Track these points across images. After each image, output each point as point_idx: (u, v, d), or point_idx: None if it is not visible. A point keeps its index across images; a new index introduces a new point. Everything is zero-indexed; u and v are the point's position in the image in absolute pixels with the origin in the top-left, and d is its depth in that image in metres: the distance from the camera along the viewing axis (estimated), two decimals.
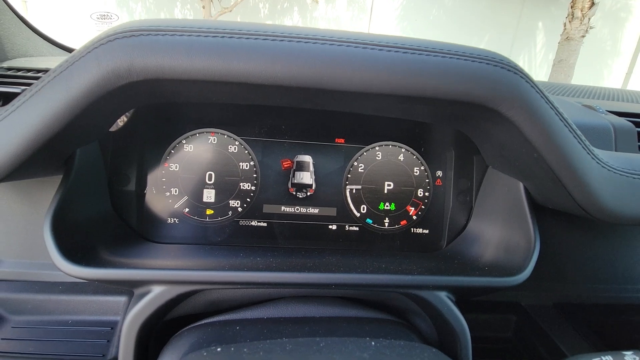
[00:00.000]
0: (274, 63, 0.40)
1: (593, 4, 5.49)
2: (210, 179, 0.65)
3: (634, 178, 0.48)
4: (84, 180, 0.53)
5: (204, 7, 6.89)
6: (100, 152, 0.57)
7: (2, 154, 0.41)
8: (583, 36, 5.65)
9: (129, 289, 0.52)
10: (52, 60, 0.77)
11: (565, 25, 5.72)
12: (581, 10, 5.54)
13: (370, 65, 0.40)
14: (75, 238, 0.49)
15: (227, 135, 0.66)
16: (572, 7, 5.61)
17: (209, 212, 0.66)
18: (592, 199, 0.47)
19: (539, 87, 0.45)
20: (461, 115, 0.51)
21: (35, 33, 0.87)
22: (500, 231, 0.61)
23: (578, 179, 0.46)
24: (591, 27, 5.70)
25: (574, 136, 0.46)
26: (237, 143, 0.66)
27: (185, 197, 0.65)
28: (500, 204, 0.62)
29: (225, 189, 0.66)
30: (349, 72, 0.40)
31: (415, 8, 7.65)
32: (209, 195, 0.65)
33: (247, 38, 0.40)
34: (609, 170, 0.48)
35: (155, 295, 0.45)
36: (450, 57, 0.42)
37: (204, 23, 0.41)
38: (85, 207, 0.54)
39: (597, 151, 0.48)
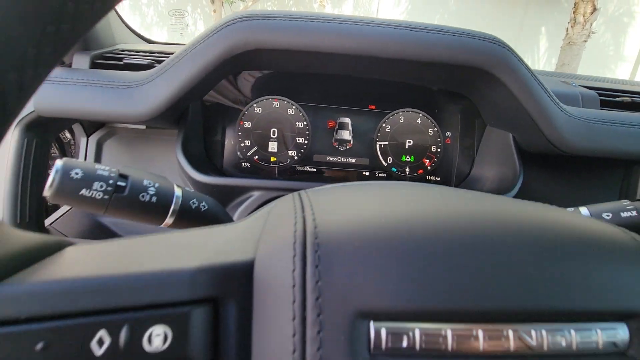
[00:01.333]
0: (343, 38, 0.61)
1: (595, 9, 5.65)
2: (274, 134, 0.86)
3: (588, 122, 0.68)
4: (192, 128, 0.74)
5: (214, 12, 7.17)
6: (201, 110, 0.78)
7: (162, 99, 0.62)
8: (585, 41, 5.81)
9: (231, 197, 0.72)
10: (146, 45, 0.98)
11: (567, 30, 5.88)
12: (583, 16, 5.71)
13: (409, 39, 0.61)
14: (194, 163, 0.69)
15: (287, 101, 0.86)
16: (574, 12, 5.77)
17: (272, 159, 0.86)
18: (559, 137, 0.67)
19: (522, 59, 0.65)
20: (465, 80, 0.71)
21: (123, 23, 1.08)
22: (495, 171, 0.81)
23: (549, 122, 0.66)
24: (593, 32, 5.86)
25: (545, 92, 0.66)
26: (294, 107, 0.86)
27: (255, 147, 0.85)
28: (495, 152, 0.82)
29: (285, 142, 0.86)
30: (396, 44, 0.60)
31: (420, 13, 7.89)
32: (273, 147, 0.86)
33: (324, 22, 0.61)
34: (569, 116, 0.68)
35: (256, 198, 0.66)
36: (459, 36, 0.63)
37: (300, 13, 0.62)
38: (192, 149, 0.75)
39: (562, 105, 0.69)
